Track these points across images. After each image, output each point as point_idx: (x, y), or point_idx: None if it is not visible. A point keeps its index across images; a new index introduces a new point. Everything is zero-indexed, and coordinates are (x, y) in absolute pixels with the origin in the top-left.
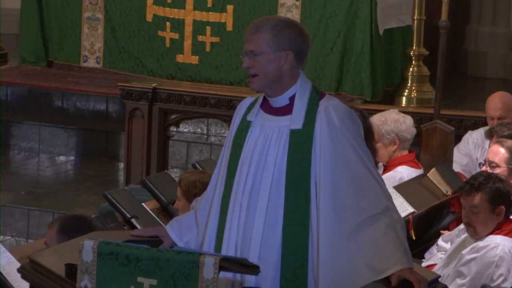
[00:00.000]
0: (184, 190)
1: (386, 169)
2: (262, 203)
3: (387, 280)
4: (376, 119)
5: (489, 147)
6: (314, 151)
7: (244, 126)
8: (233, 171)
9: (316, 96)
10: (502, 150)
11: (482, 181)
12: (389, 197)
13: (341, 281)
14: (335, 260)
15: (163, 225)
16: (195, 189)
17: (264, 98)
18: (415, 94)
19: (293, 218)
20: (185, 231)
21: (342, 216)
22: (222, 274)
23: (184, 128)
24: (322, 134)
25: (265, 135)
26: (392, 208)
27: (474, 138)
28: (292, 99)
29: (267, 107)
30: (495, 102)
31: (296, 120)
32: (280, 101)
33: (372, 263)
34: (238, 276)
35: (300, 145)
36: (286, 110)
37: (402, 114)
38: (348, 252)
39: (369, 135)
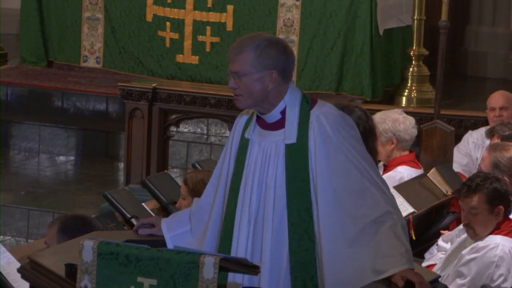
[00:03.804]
0: (191, 189)
1: (386, 169)
2: (268, 220)
3: (387, 280)
4: (377, 117)
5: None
6: (310, 162)
7: (244, 144)
8: (236, 190)
9: (306, 106)
10: (487, 159)
11: (479, 182)
12: (389, 200)
13: (344, 285)
14: (338, 267)
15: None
16: (203, 187)
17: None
18: (415, 94)
19: (298, 232)
20: (175, 225)
21: (342, 225)
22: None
23: (184, 128)
24: (316, 144)
25: (264, 152)
26: (392, 211)
27: (474, 138)
28: (283, 112)
29: (262, 123)
30: (497, 96)
31: (289, 134)
32: (271, 117)
33: (373, 265)
34: None
35: (297, 159)
36: (280, 124)
37: (404, 115)
38: (350, 258)
39: (371, 135)
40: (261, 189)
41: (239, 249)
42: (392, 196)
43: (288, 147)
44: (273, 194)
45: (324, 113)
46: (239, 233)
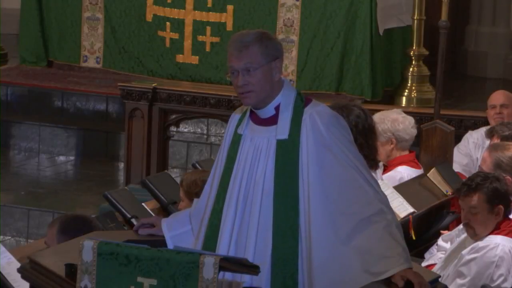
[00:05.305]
0: (186, 190)
1: (386, 169)
2: (254, 216)
3: (387, 280)
4: (376, 117)
5: None
6: (301, 159)
7: (236, 139)
8: (225, 185)
9: (301, 104)
10: (488, 160)
11: (479, 182)
12: (382, 199)
13: (337, 286)
14: (331, 266)
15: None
16: (196, 187)
17: (252, 110)
18: (415, 94)
19: (282, 229)
20: (176, 225)
21: (335, 223)
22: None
23: (184, 128)
24: (308, 141)
25: (255, 147)
26: (385, 210)
27: (474, 138)
28: (277, 108)
29: (256, 118)
30: (498, 94)
31: (281, 130)
32: (266, 112)
33: (369, 266)
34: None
35: (287, 155)
36: (274, 120)
37: (403, 115)
38: (344, 257)
39: (371, 133)
40: (250, 186)
41: (221, 246)
42: (385, 195)
43: (279, 143)
44: (261, 190)
45: (317, 112)
46: (222, 232)
